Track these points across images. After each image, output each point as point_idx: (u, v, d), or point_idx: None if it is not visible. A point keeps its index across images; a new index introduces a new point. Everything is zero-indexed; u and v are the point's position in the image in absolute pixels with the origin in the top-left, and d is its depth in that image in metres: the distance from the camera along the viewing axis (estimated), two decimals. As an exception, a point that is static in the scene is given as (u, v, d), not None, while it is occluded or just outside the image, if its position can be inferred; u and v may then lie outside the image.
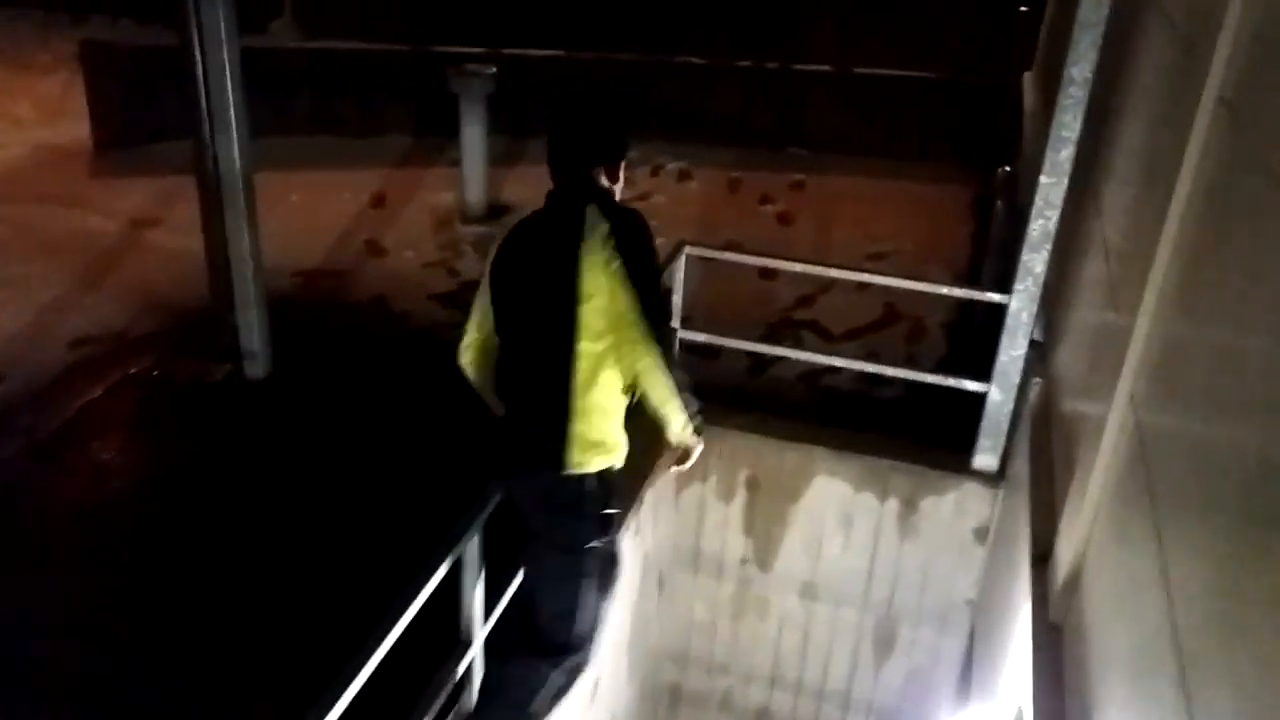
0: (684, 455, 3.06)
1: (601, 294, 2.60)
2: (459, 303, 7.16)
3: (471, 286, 7.34)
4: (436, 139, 9.40)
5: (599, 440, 2.70)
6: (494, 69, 8.24)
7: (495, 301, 2.81)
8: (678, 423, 2.87)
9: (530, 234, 2.79)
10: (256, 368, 6.20)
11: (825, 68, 10.08)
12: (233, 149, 5.57)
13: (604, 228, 2.64)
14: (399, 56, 10.06)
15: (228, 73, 5.37)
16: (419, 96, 9.82)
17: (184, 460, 5.60)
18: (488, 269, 2.85)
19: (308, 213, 8.47)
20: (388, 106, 10.06)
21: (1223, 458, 1.98)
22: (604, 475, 2.77)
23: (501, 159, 8.81)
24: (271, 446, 5.71)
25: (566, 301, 2.60)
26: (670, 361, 2.73)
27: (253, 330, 6.08)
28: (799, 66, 10.09)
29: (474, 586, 2.86)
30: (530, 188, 8.74)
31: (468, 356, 2.96)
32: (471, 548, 2.78)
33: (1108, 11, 3.56)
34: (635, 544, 4.19)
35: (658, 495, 4.44)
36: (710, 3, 10.33)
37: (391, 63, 10.09)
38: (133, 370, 6.27)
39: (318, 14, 10.73)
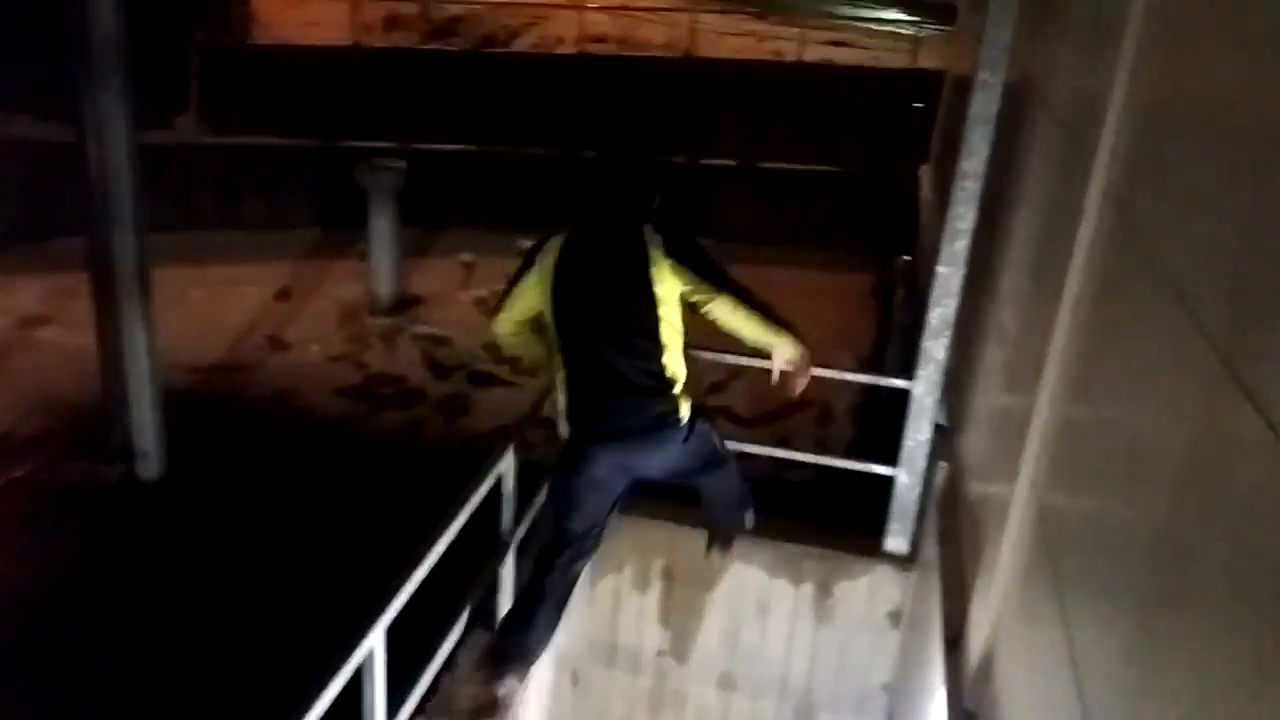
0: (799, 371, 3.46)
1: (671, 297, 3.26)
2: (368, 396, 7.02)
3: (380, 379, 7.30)
4: (344, 232, 9.33)
5: (684, 396, 3.36)
6: (403, 163, 8.26)
7: (562, 309, 3.33)
8: (782, 343, 3.40)
9: (589, 256, 3.34)
10: (150, 469, 5.94)
11: (731, 163, 10.37)
12: (128, 245, 5.43)
13: (658, 239, 3.30)
14: (307, 151, 10.02)
15: (124, 168, 5.27)
16: (327, 191, 9.77)
17: (73, 566, 5.28)
18: (547, 277, 3.33)
19: (210, 308, 8.27)
20: (295, 201, 9.98)
21: (1122, 539, 2.01)
22: (693, 409, 3.40)
23: (411, 251, 8.78)
24: (164, 550, 5.44)
25: (648, 308, 3.24)
26: (746, 300, 3.33)
27: (146, 430, 5.84)
28: (706, 161, 10.36)
29: (511, 501, 3.54)
30: (438, 281, 8.80)
31: (506, 327, 3.50)
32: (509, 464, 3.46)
33: (998, 107, 3.73)
34: (549, 642, 4.06)
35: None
36: (618, 100, 10.59)
37: (299, 158, 10.04)
38: (19, 473, 5.94)
39: (224, 110, 10.66)
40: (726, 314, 3.32)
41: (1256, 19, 1.77)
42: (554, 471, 3.50)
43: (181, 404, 6.47)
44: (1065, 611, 2.25)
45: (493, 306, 3.57)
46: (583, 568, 3.56)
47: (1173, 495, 1.76)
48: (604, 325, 3.29)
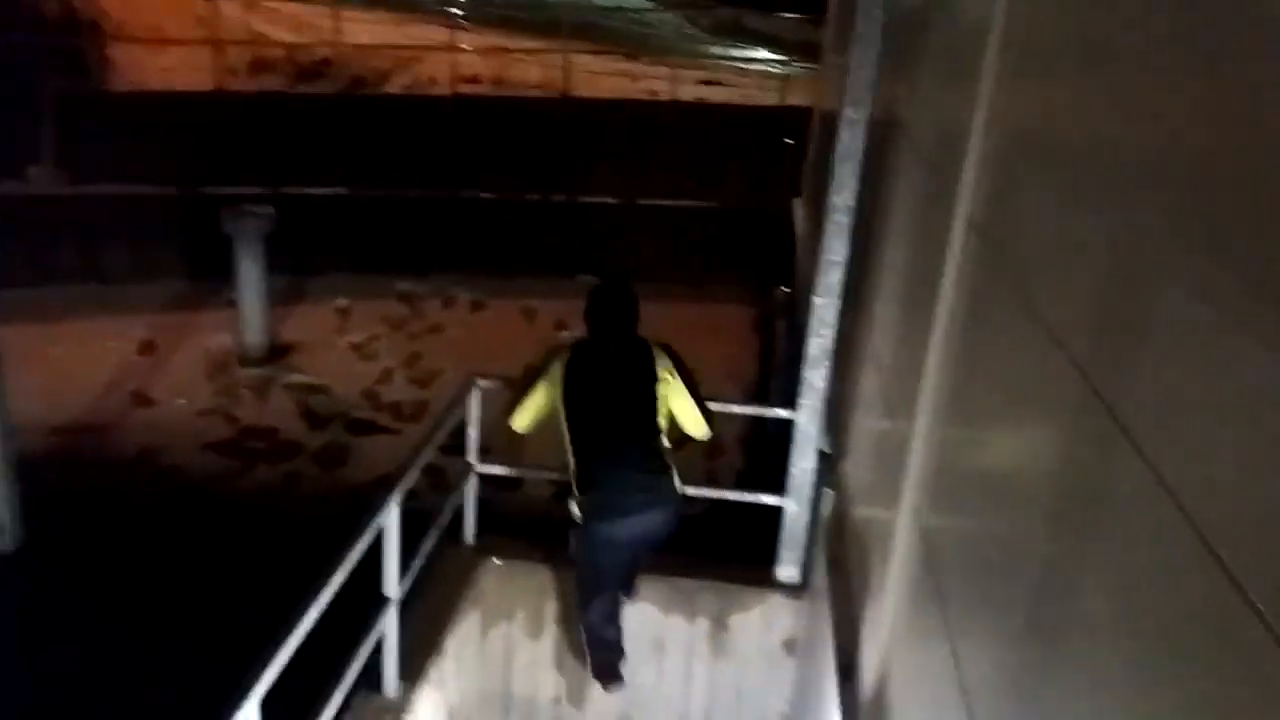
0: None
1: (665, 397, 3.91)
2: (239, 450, 6.73)
3: (252, 432, 6.99)
4: (211, 282, 8.98)
5: (677, 476, 3.91)
6: (271, 208, 8.01)
7: (575, 407, 3.89)
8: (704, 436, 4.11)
9: (601, 360, 3.97)
10: (4, 540, 5.53)
11: (610, 199, 10.43)
12: (-29, 302, 5.07)
13: (661, 350, 3.97)
14: (170, 199, 9.64)
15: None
16: (192, 239, 9.40)
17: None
18: (557, 379, 3.93)
19: (69, 366, 7.82)
20: (159, 251, 9.57)
21: (1003, 563, 2.04)
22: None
23: (283, 298, 8.50)
24: (23, 625, 5.05)
25: (650, 404, 3.88)
26: (706, 414, 4.03)
27: (-1, 499, 5.45)
28: (585, 199, 10.39)
29: (395, 554, 3.50)
30: (312, 327, 8.54)
31: (522, 421, 4.05)
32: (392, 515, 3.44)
33: (864, 143, 3.83)
34: (438, 696, 3.92)
35: (461, 640, 4.20)
36: (497, 142, 10.54)
37: (162, 206, 9.65)
38: None
39: (82, 159, 10.16)
40: (691, 424, 4.02)
41: (1107, 55, 1.84)
42: (578, 555, 4.01)
43: (39, 468, 6.07)
44: (952, 637, 2.27)
45: (507, 411, 4.08)
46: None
47: (1048, 518, 1.80)
48: (618, 416, 3.91)
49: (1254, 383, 1.13)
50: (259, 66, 11.83)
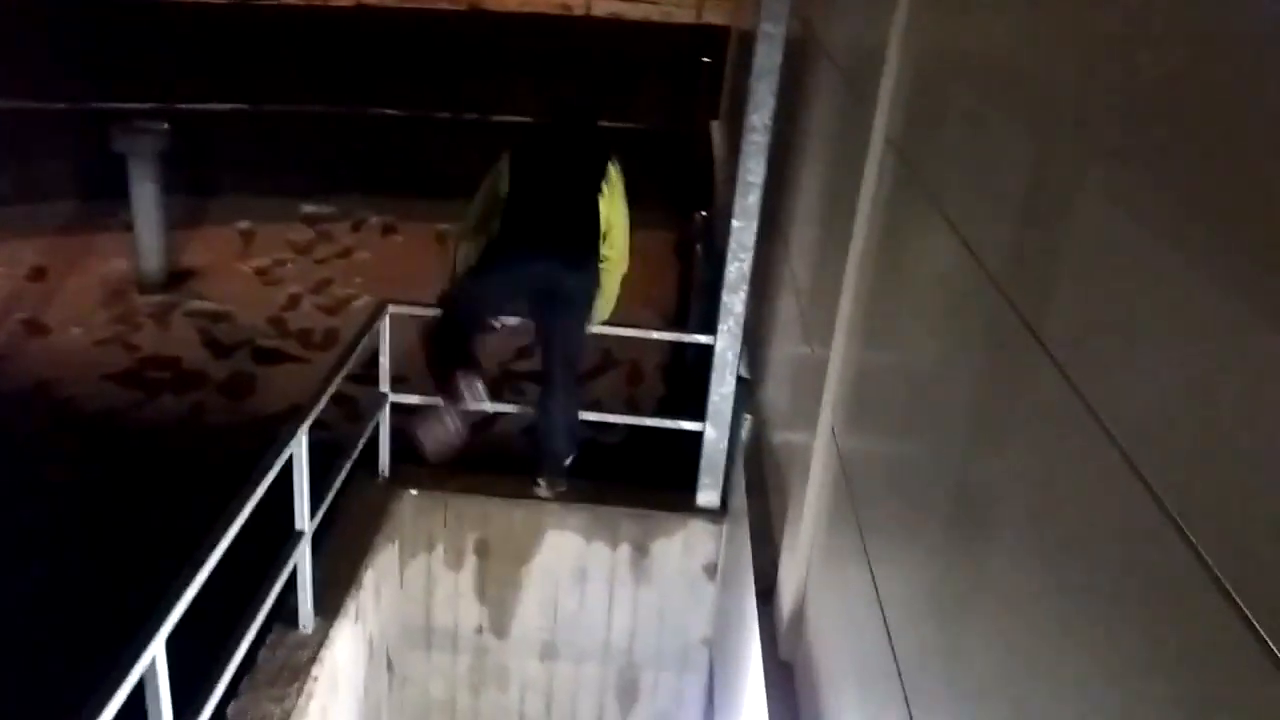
0: None
1: (606, 200, 4.18)
2: (140, 381, 6.46)
3: (153, 362, 6.71)
4: (105, 203, 8.50)
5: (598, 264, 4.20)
6: (166, 125, 7.58)
7: (518, 186, 4.12)
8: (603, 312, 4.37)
9: (555, 145, 4.31)
10: (-116, 478, 5.23)
11: (525, 119, 10.14)
12: None
13: (614, 172, 4.23)
14: (55, 115, 9.05)
15: None
16: (82, 157, 8.86)
17: None
18: (504, 168, 4.19)
19: (-51, 292, 7.37)
20: (46, 170, 9.00)
21: (921, 482, 2.05)
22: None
23: (182, 220, 8.11)
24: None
25: (593, 196, 4.16)
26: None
27: (-125, 435, 5.13)
28: (498, 118, 10.08)
29: (304, 486, 3.43)
30: (214, 252, 8.18)
31: (466, 246, 4.29)
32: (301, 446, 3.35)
33: (781, 59, 3.75)
34: (357, 630, 3.87)
35: (379, 573, 4.14)
36: (404, 57, 10.12)
37: (49, 122, 9.05)
38: None
39: (-47, 69, 9.46)
40: (617, 273, 4.31)
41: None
42: (458, 298, 4.19)
43: (-80, 403, 5.75)
44: (870, 557, 2.29)
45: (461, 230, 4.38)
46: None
47: (965, 437, 1.80)
48: (560, 196, 4.16)
49: (1173, 296, 1.12)
50: (148, -27, 11.10)
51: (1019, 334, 1.53)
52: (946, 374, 1.97)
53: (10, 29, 9.23)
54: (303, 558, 3.49)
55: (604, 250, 4.20)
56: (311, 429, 3.47)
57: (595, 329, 4.36)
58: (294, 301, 7.58)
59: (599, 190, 4.14)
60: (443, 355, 4.09)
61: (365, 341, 4.27)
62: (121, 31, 9.45)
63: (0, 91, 9.04)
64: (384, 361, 4.39)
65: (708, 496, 4.34)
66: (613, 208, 4.21)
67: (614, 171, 4.23)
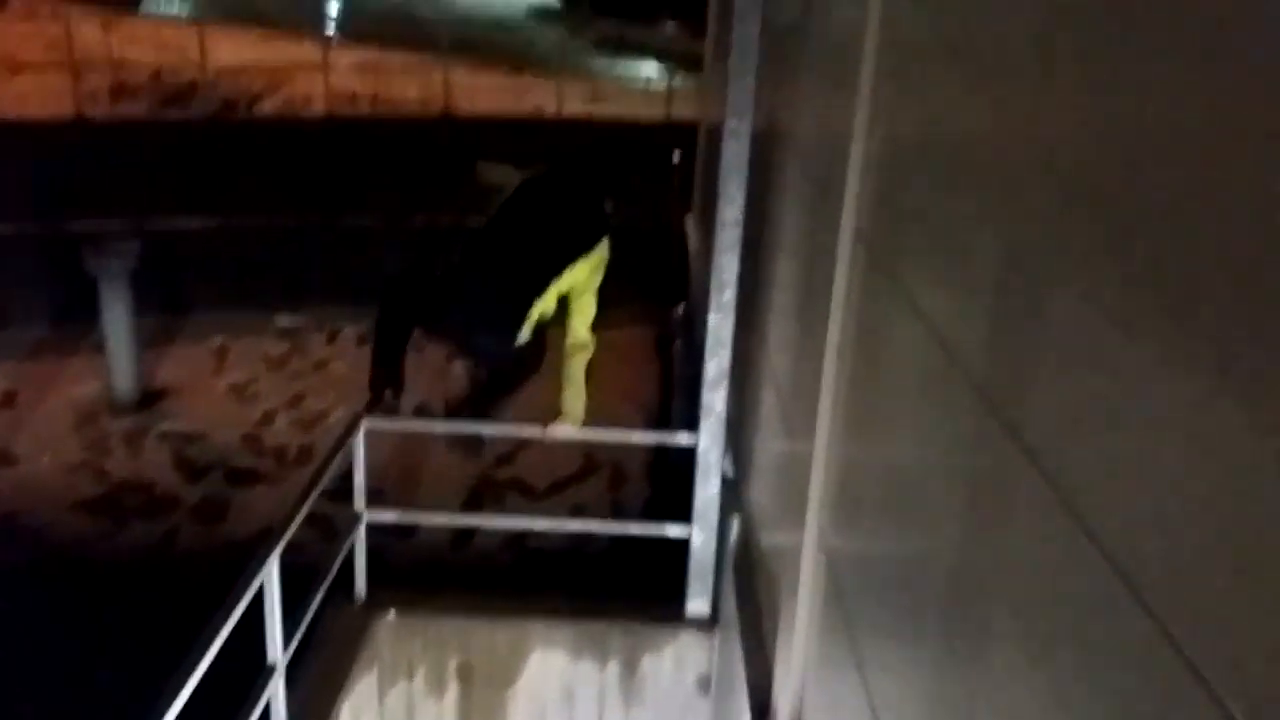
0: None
1: (575, 281, 3.98)
2: (111, 508, 6.28)
3: (125, 487, 6.54)
4: (76, 325, 8.41)
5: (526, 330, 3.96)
6: (137, 244, 7.54)
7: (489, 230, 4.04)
8: (577, 412, 4.23)
9: (544, 203, 4.16)
10: None
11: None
12: None
13: (601, 258, 4.05)
14: (27, 238, 9.04)
15: None
16: (53, 280, 8.81)
17: None
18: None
19: (-84, 424, 7.22)
20: (15, 294, 8.94)
21: (912, 584, 1.95)
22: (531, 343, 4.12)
23: (153, 340, 8.02)
24: None
25: (565, 252, 3.94)
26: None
27: None
28: (474, 222, 10.14)
29: (276, 614, 3.22)
30: (187, 370, 8.07)
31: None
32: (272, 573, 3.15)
33: (749, 155, 3.73)
34: (334, 768, 3.65)
35: (357, 705, 3.93)
36: (375, 163, 10.22)
37: (18, 244, 9.04)
38: None
39: (-75, 197, 9.48)
40: (581, 355, 4.16)
41: (980, 55, 1.77)
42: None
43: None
44: (862, 665, 2.17)
45: None
46: None
47: (951, 536, 1.74)
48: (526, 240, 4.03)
49: (1147, 389, 1.10)
50: (121, 92, 11.23)
51: (998, 432, 1.48)
52: (931, 471, 1.89)
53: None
54: (276, 694, 3.29)
55: (568, 333, 4.10)
56: (284, 552, 3.32)
57: (573, 432, 4.25)
58: (268, 418, 7.45)
59: (569, 256, 3.92)
60: (379, 355, 4.31)
61: (340, 458, 4.14)
62: (92, 149, 9.52)
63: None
64: (358, 478, 4.25)
65: (697, 605, 4.17)
66: (584, 279, 3.99)
67: (601, 248, 4.04)
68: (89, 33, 11.86)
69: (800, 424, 2.93)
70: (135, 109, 10.92)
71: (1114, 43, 1.25)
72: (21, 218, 9.06)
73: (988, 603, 1.55)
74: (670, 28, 15.18)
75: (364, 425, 4.26)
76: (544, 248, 3.93)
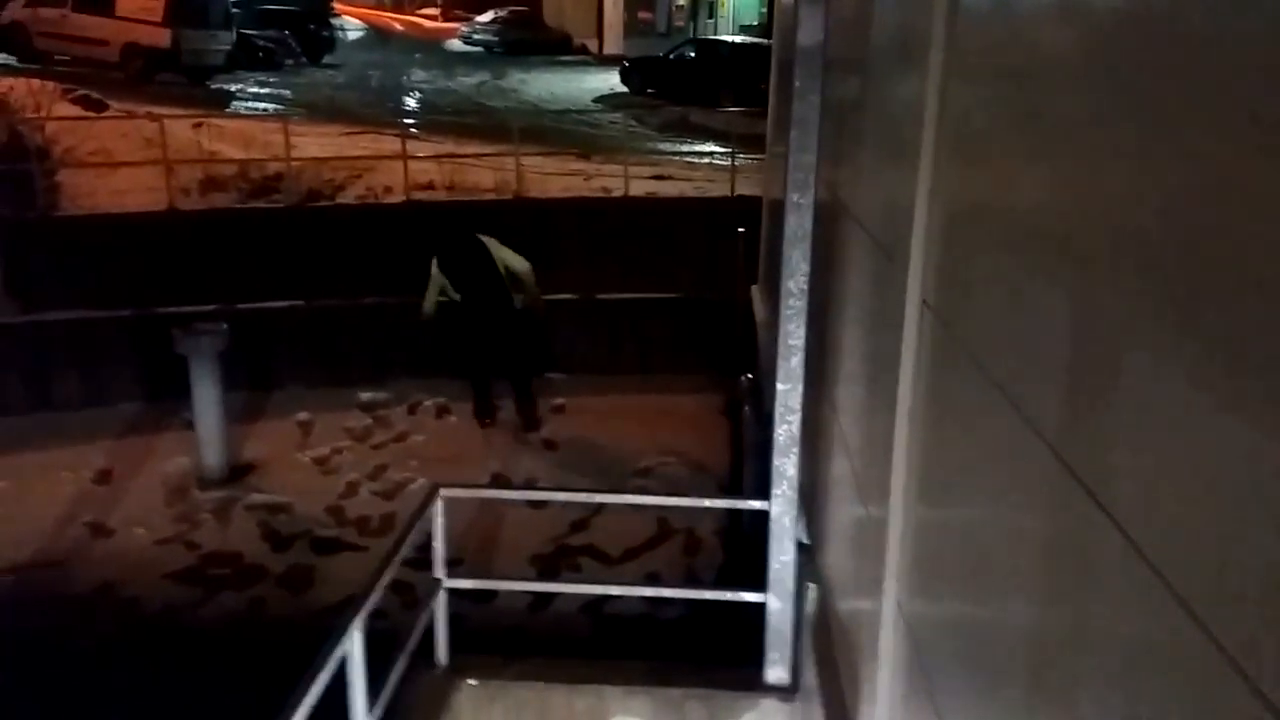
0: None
1: (500, 259, 8.34)
2: (201, 578, 6.49)
3: (214, 558, 6.78)
4: (168, 403, 8.80)
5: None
6: (225, 325, 7.90)
7: (454, 277, 8.30)
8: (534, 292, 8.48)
9: (460, 255, 8.37)
10: (-51, 692, 5.23)
11: (571, 296, 10.43)
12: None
13: (494, 244, 8.30)
14: (123, 322, 9.51)
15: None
16: (147, 361, 9.24)
17: None
18: (439, 274, 8.37)
19: (20, 500, 7.57)
20: (112, 375, 9.39)
21: (993, 648, 1.95)
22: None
23: (241, 416, 8.33)
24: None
25: (491, 263, 8.29)
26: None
27: (-58, 649, 5.16)
28: (545, 297, 10.38)
29: (361, 682, 3.33)
30: (273, 444, 8.37)
31: (429, 303, 8.42)
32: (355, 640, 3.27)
33: (811, 226, 3.83)
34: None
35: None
36: (452, 243, 10.54)
37: (115, 329, 9.51)
38: None
39: (32, 286, 10.02)
40: (516, 263, 8.26)
41: (1041, 125, 1.83)
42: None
43: (-11, 611, 5.81)
44: (946, 732, 2.16)
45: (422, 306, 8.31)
46: None
47: (1038, 600, 1.73)
48: (478, 273, 8.23)
49: (1229, 450, 1.09)
50: (211, 185, 11.82)
51: (1076, 494, 1.49)
52: (1010, 534, 1.90)
53: (75, 246, 9.85)
54: (362, 761, 3.37)
55: (519, 274, 8.34)
56: (367, 619, 3.43)
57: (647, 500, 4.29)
58: (352, 489, 7.66)
59: (494, 262, 8.24)
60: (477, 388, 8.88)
61: (419, 526, 4.26)
62: (184, 239, 10.03)
63: (69, 303, 9.56)
64: (438, 546, 4.36)
65: (776, 673, 4.15)
66: (508, 260, 8.28)
67: (494, 245, 8.27)
68: (182, 131, 12.54)
69: (874, 489, 2.97)
70: (225, 200, 11.47)
71: (1178, 108, 1.26)
72: (118, 304, 9.55)
73: (1073, 668, 1.52)
74: (731, 109, 15.50)
75: (442, 494, 4.39)
76: (482, 260, 8.29)
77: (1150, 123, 1.36)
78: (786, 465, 3.96)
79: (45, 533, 7.15)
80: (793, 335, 3.86)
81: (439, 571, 4.34)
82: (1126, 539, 1.31)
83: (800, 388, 3.90)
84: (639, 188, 11.96)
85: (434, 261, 8.21)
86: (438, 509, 4.35)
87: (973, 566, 2.13)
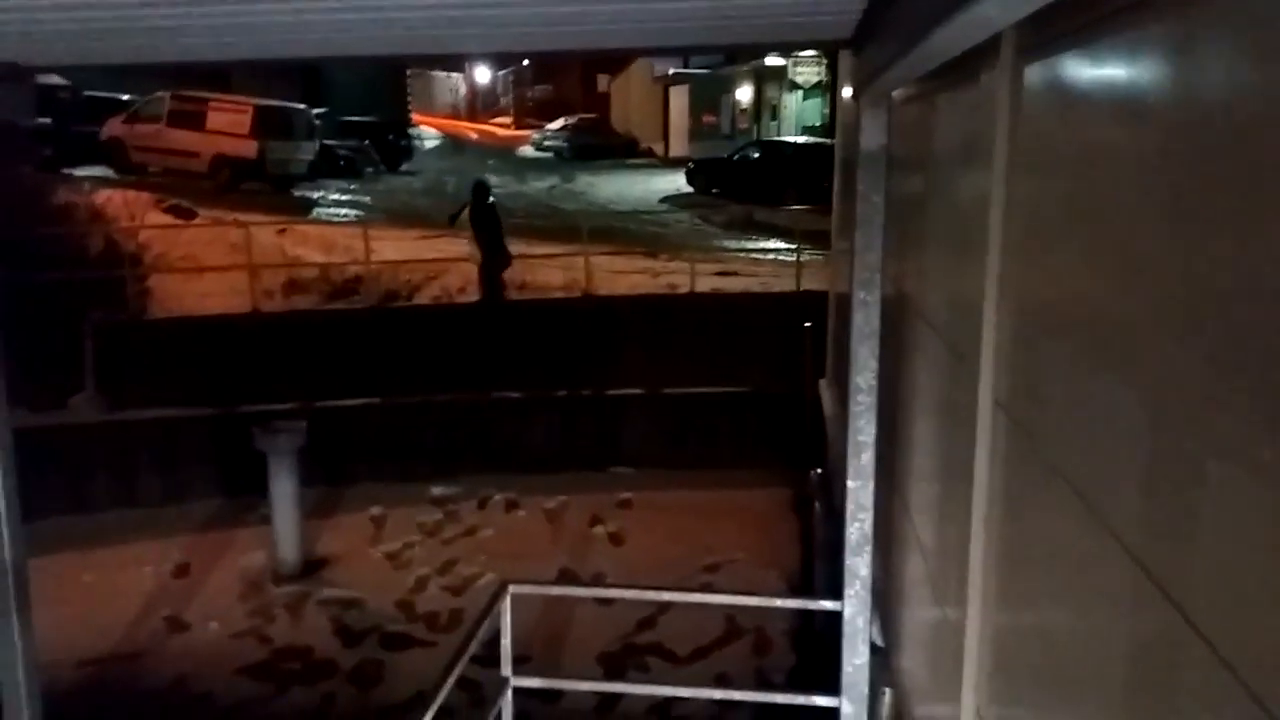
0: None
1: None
2: (272, 674, 6.54)
3: (286, 653, 6.83)
4: (247, 499, 9.01)
5: None
6: (303, 423, 8.12)
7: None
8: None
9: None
10: (28, 786, 5.29)
11: (638, 391, 10.51)
12: (3, 544, 5.04)
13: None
14: (205, 420, 9.82)
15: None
16: (226, 458, 9.50)
17: None
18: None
19: (102, 594, 7.75)
20: (193, 472, 9.67)
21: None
22: None
23: (316, 510, 8.48)
24: None
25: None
26: None
27: (24, 745, 5.24)
28: (613, 392, 10.48)
29: None
30: (347, 538, 8.49)
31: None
32: None
33: (879, 323, 3.84)
34: None
35: None
36: (523, 341, 10.76)
37: (197, 427, 9.83)
38: None
39: (121, 386, 10.44)
40: None
41: (1105, 223, 1.84)
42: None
43: (69, 704, 5.90)
44: None
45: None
46: None
47: (1120, 709, 1.67)
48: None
49: None
50: (293, 287, 12.29)
51: (1156, 601, 1.44)
52: (1092, 641, 1.84)
53: (162, 347, 10.26)
54: None
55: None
56: (435, 717, 3.42)
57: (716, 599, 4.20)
58: (422, 584, 7.70)
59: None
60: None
61: (488, 623, 4.26)
62: (265, 340, 10.39)
63: (154, 402, 9.92)
64: (505, 643, 4.35)
65: (851, 780, 4.01)
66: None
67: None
68: (266, 237, 13.12)
69: (951, 592, 2.90)
70: (306, 302, 11.89)
71: (1243, 207, 1.26)
72: (201, 402, 9.89)
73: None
74: (795, 207, 15.72)
75: (510, 590, 4.40)
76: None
77: (1215, 220, 1.35)
78: (859, 565, 3.89)
79: (125, 626, 7.29)
80: (863, 431, 3.83)
81: (506, 669, 4.32)
82: (1210, 648, 1.27)
83: (871, 485, 3.86)
84: (705, 284, 12.11)
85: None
86: (505, 606, 4.34)
87: (1054, 675, 2.07)
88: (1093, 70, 1.95)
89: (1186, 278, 1.46)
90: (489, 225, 11.50)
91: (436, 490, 9.46)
